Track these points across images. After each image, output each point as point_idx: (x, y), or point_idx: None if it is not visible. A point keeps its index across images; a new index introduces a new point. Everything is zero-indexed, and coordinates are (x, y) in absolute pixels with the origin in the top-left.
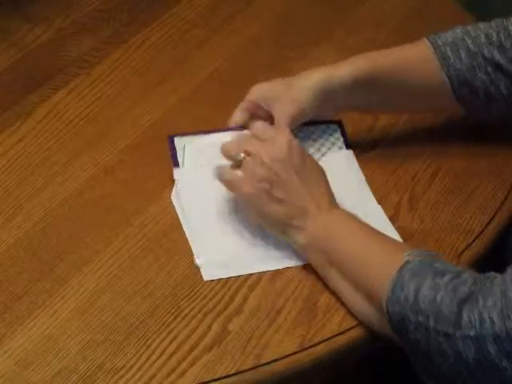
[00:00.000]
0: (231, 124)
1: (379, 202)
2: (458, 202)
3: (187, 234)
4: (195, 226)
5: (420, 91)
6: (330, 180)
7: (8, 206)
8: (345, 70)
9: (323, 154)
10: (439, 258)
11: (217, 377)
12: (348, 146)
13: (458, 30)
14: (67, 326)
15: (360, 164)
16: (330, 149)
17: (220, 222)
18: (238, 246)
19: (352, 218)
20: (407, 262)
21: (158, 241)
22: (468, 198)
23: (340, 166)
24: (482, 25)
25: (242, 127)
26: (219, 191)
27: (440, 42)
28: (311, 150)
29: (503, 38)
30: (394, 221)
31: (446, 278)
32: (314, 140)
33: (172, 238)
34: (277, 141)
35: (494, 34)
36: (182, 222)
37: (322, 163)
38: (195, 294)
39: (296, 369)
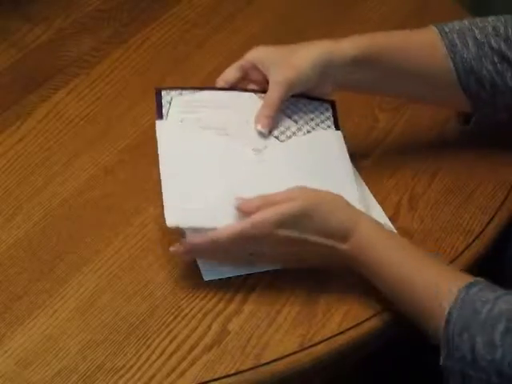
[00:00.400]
0: (220, 81)
1: (379, 202)
2: (458, 202)
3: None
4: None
5: (423, 77)
6: (316, 156)
7: (8, 206)
8: (347, 45)
9: (313, 128)
10: (481, 287)
11: (217, 377)
12: (337, 127)
13: (465, 21)
14: (67, 326)
15: (360, 164)
16: (318, 125)
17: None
18: None
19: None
20: (451, 309)
21: (158, 241)
22: (468, 197)
23: (327, 144)
24: (489, 18)
25: (235, 88)
26: (205, 153)
27: (447, 29)
28: (300, 122)
29: (510, 32)
30: (393, 221)
31: (500, 327)
32: (305, 113)
33: (172, 238)
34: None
35: (502, 27)
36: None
37: (309, 137)
38: (195, 293)
39: (296, 369)
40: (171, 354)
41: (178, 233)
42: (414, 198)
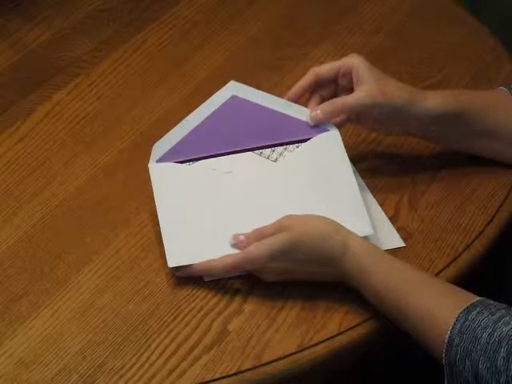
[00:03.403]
0: (312, 72)
1: (379, 202)
2: (458, 202)
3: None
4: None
5: (499, 135)
6: (314, 170)
7: (8, 206)
8: (435, 100)
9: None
10: (479, 309)
11: (217, 377)
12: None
13: None
14: (67, 326)
15: (360, 165)
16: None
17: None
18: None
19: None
20: (451, 337)
21: (158, 241)
22: (468, 197)
23: (323, 151)
24: None
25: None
26: (200, 188)
27: None
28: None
29: None
30: (394, 221)
31: (502, 352)
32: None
33: None
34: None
35: None
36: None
37: (302, 149)
38: (195, 293)
39: (296, 369)
40: (171, 354)
41: None
42: (414, 198)
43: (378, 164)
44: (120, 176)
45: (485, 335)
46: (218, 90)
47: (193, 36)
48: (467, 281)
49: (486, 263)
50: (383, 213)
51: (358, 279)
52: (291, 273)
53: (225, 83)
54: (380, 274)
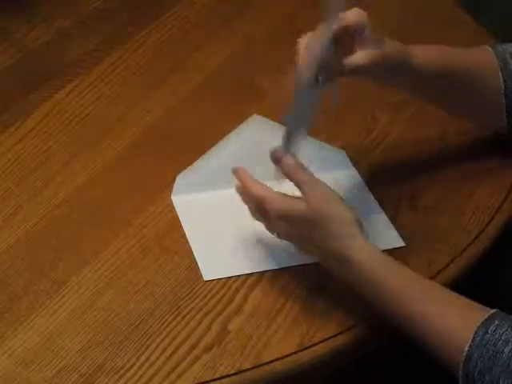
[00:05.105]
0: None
1: (379, 202)
2: (458, 202)
3: (188, 235)
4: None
5: (478, 97)
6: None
7: (8, 206)
8: (419, 54)
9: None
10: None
11: (217, 377)
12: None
13: None
14: (67, 326)
15: (361, 164)
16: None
17: (220, 223)
18: (238, 246)
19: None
20: (470, 350)
21: (158, 241)
22: (468, 198)
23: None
24: None
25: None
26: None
27: (500, 49)
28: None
29: None
30: (393, 221)
31: None
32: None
33: (172, 238)
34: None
35: None
36: (181, 220)
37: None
38: (195, 293)
39: (296, 369)
40: (171, 354)
41: (178, 233)
42: (414, 198)
43: (378, 164)
44: (120, 176)
45: (506, 350)
46: (217, 91)
47: (193, 36)
48: (467, 281)
49: (485, 263)
50: (383, 213)
51: (364, 284)
52: (300, 240)
53: (224, 83)
54: (386, 277)
